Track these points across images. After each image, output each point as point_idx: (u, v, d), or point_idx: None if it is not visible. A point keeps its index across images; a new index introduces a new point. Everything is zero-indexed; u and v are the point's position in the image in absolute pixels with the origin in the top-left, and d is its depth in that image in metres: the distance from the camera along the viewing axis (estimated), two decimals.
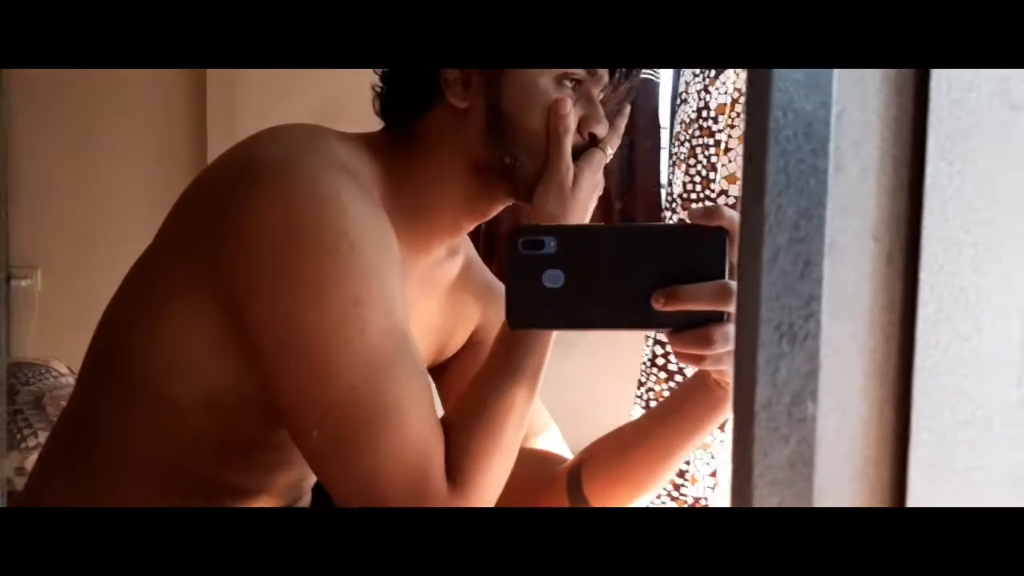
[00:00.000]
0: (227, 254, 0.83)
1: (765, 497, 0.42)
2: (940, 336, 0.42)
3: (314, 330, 0.80)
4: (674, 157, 2.14)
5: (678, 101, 2.28)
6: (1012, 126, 0.43)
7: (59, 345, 2.11)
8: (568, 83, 0.91)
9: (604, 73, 0.94)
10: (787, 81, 0.42)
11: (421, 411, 0.82)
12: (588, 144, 0.93)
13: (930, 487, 0.43)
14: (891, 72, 0.43)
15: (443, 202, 0.93)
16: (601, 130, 0.93)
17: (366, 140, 0.93)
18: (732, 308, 0.73)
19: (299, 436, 0.85)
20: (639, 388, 2.19)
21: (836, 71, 0.43)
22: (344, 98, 2.38)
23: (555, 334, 0.89)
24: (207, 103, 2.48)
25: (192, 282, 0.86)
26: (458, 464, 0.82)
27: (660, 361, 2.13)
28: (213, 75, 2.46)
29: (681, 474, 2.08)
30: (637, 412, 2.19)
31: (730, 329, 0.74)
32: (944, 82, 0.43)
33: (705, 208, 0.75)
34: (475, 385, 0.89)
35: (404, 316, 0.84)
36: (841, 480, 0.43)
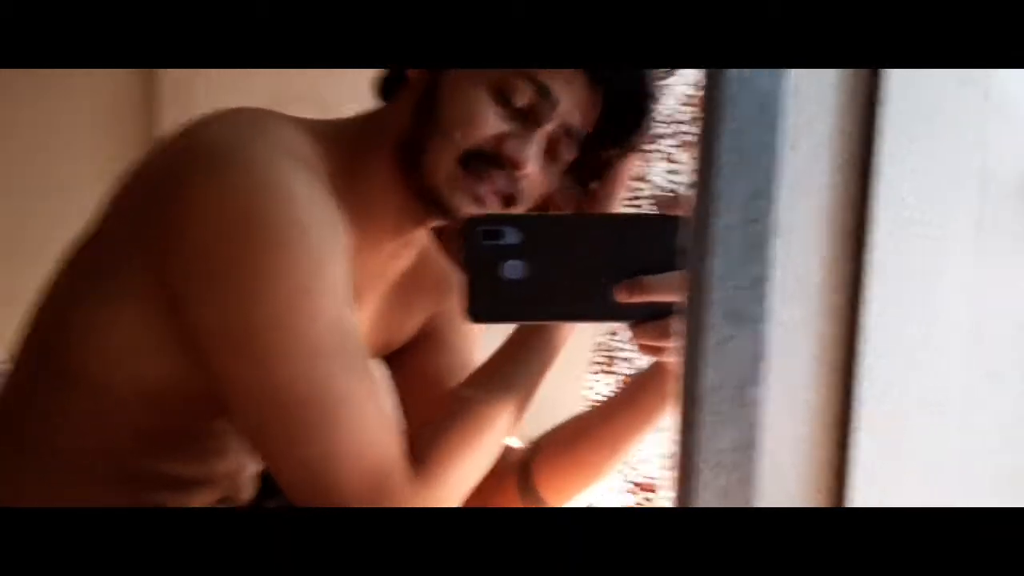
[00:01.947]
0: (172, 239, 0.79)
1: (710, 481, 0.42)
2: (889, 319, 0.42)
3: (261, 319, 0.77)
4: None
5: None
6: (963, 102, 0.42)
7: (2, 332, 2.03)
8: (507, 104, 0.82)
9: (561, 100, 0.83)
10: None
11: (374, 404, 0.79)
12: (507, 166, 0.83)
13: (875, 471, 0.42)
14: None
15: (386, 199, 0.88)
16: (516, 152, 0.82)
17: (318, 128, 0.88)
18: None
19: (245, 427, 0.82)
20: (596, 375, 2.17)
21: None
22: (300, 97, 2.32)
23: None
24: (160, 106, 2.38)
25: (134, 268, 0.82)
26: (426, 460, 0.80)
27: (617, 351, 2.10)
28: (167, 78, 2.36)
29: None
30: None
31: None
32: None
33: (668, 197, 0.74)
34: (466, 387, 0.87)
35: (351, 308, 0.81)
36: (786, 464, 0.42)
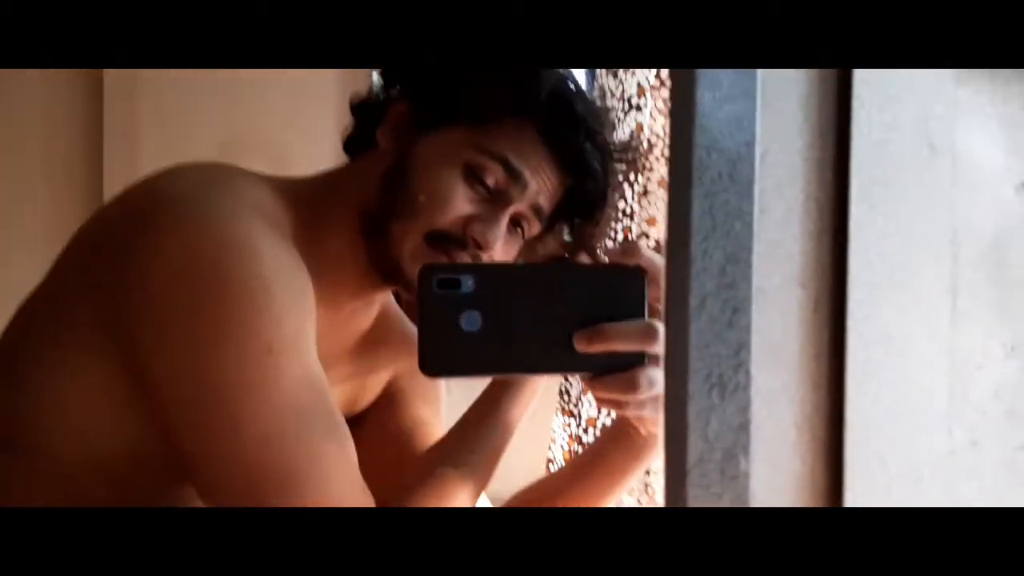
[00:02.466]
0: (129, 297, 0.75)
1: None
2: (869, 385, 0.41)
3: (224, 379, 0.73)
4: None
5: None
6: (931, 168, 0.43)
7: None
8: (478, 185, 0.83)
9: (531, 183, 0.84)
10: (710, 120, 0.41)
11: (342, 464, 0.76)
12: (472, 246, 0.83)
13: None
14: (812, 112, 0.42)
15: (347, 260, 0.87)
16: (483, 235, 0.83)
17: (280, 184, 0.86)
18: (657, 348, 0.71)
19: (206, 489, 0.77)
20: (556, 430, 2.15)
21: (759, 112, 0.41)
22: (250, 145, 2.30)
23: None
24: (103, 110, 2.32)
25: (87, 328, 0.78)
26: None
27: (576, 404, 2.09)
28: (110, 80, 2.31)
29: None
30: (556, 453, 2.14)
31: (653, 373, 0.72)
32: (865, 123, 0.42)
33: (622, 246, 0.73)
34: (429, 461, 0.84)
35: (319, 365, 0.78)
36: None
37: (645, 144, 1.98)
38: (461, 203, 0.83)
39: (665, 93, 1.93)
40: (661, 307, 0.74)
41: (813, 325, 0.41)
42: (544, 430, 2.20)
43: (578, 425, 2.11)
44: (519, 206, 0.84)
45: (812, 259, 0.42)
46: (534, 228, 0.87)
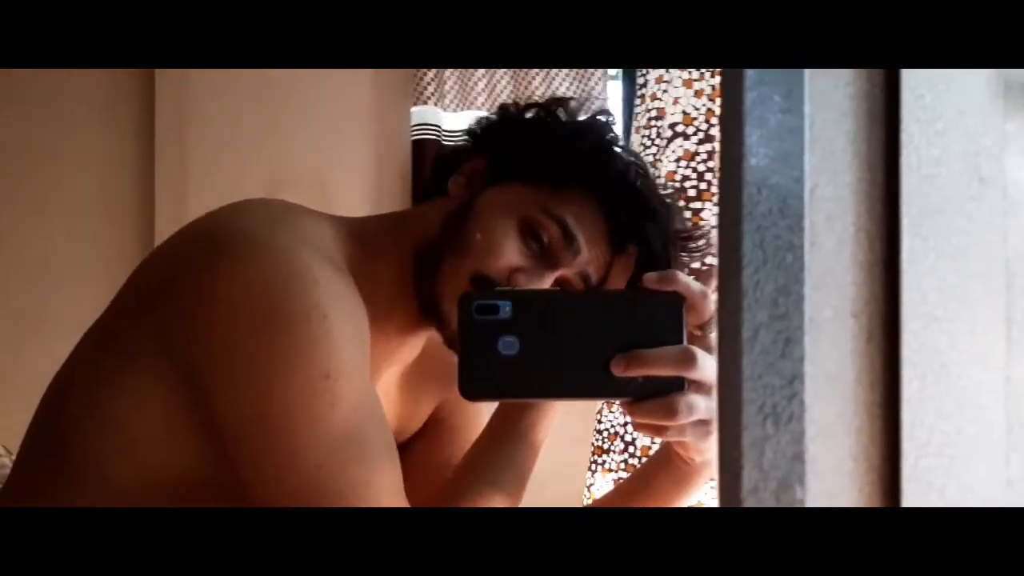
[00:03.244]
0: (191, 325, 0.79)
1: None
2: (925, 416, 0.41)
3: (282, 404, 0.76)
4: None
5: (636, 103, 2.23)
6: (982, 200, 0.43)
7: None
8: (532, 241, 0.86)
9: (584, 250, 0.86)
10: (760, 157, 0.42)
11: (392, 490, 0.78)
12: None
13: None
14: (862, 147, 0.43)
15: (397, 295, 0.90)
16: (527, 286, 0.84)
17: (338, 222, 0.91)
18: (695, 374, 0.71)
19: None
20: (594, 455, 2.15)
21: (807, 148, 0.42)
22: (300, 162, 2.36)
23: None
24: (155, 144, 2.41)
25: (150, 355, 0.81)
26: None
27: (616, 429, 2.09)
28: (161, 80, 2.40)
29: None
30: (596, 482, 2.13)
31: (692, 399, 0.72)
32: (914, 158, 0.43)
33: (659, 274, 0.74)
34: (453, 486, 0.86)
35: (375, 392, 0.81)
36: None
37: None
38: (511, 253, 0.85)
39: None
40: (699, 333, 0.75)
41: (867, 355, 0.42)
42: (582, 456, 2.20)
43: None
44: (567, 270, 0.86)
45: (864, 290, 0.42)
46: None
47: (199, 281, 0.79)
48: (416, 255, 0.88)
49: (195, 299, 0.79)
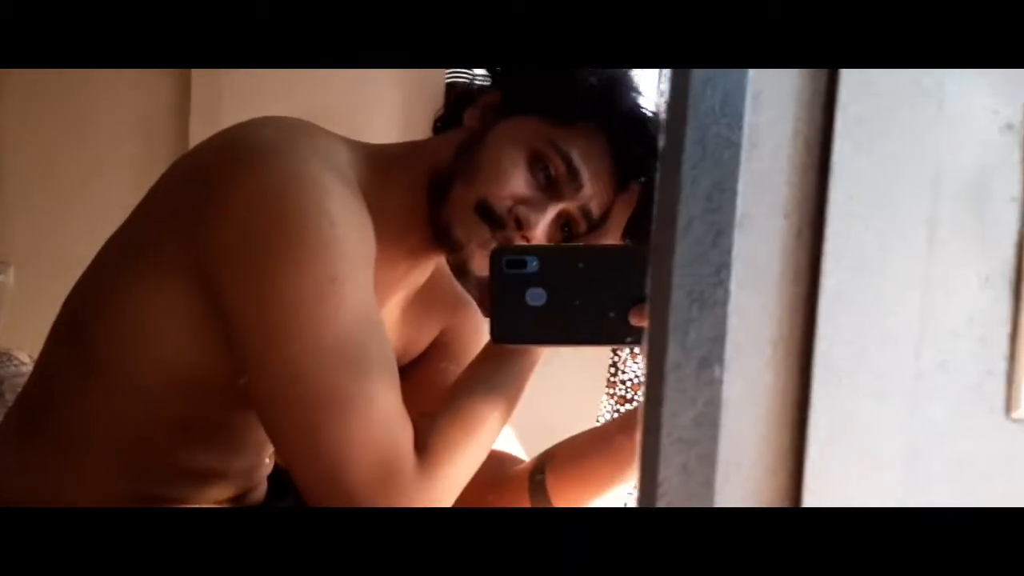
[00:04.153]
0: (208, 228, 0.84)
1: (672, 456, 0.44)
2: (841, 306, 0.44)
3: (289, 303, 0.81)
4: None
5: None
6: (921, 111, 0.45)
7: (26, 341, 2.10)
8: (539, 172, 0.89)
9: (586, 185, 0.90)
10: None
11: (389, 395, 0.83)
12: (512, 226, 0.89)
13: (829, 454, 0.44)
14: None
15: (409, 221, 0.93)
16: (526, 216, 0.89)
17: (353, 144, 0.95)
18: None
19: (264, 409, 0.86)
20: (617, 404, 2.20)
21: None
22: (331, 110, 2.40)
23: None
24: (191, 106, 2.49)
25: (169, 257, 0.87)
26: (432, 449, 0.84)
27: (641, 379, 2.14)
28: (198, 78, 2.47)
29: None
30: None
31: None
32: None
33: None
34: (457, 388, 0.91)
35: (375, 303, 0.85)
36: (746, 442, 0.44)
37: None
38: (516, 182, 0.89)
39: None
40: None
41: (793, 251, 0.45)
42: (593, 406, 2.24)
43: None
44: (569, 204, 0.91)
45: (797, 191, 0.45)
46: (580, 229, 0.92)
47: (218, 187, 0.84)
48: (429, 183, 0.92)
49: (213, 204, 0.84)
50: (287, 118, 0.93)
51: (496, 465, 1.02)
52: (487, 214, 0.89)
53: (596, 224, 0.92)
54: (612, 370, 2.17)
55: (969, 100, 0.46)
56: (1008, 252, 0.45)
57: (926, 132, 0.45)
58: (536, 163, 0.90)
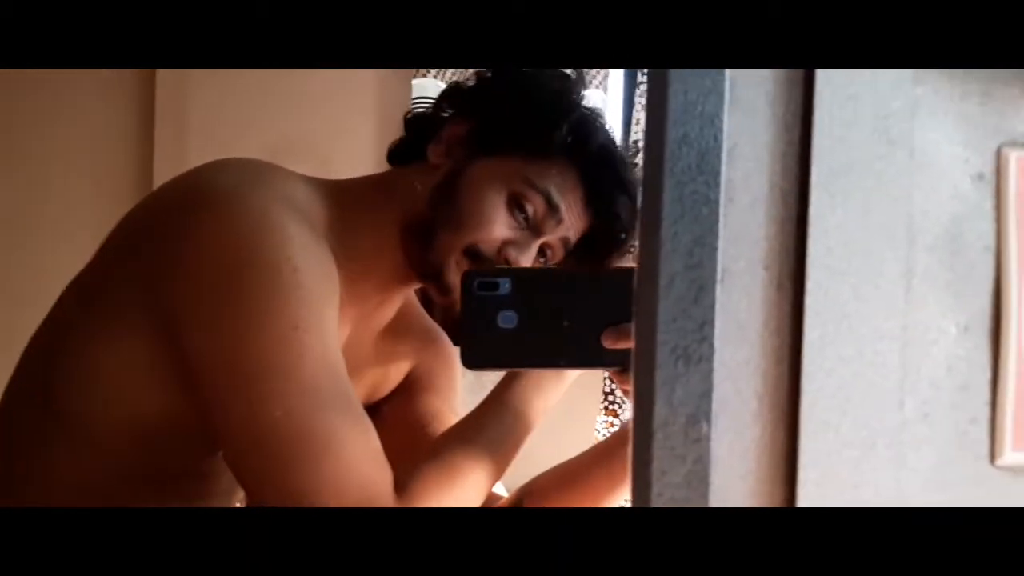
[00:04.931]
0: (168, 276, 0.83)
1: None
2: (825, 360, 0.45)
3: (252, 352, 0.80)
4: None
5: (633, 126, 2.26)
6: (889, 160, 0.46)
7: None
8: (519, 212, 0.92)
9: (565, 218, 0.93)
10: (682, 115, 0.45)
11: (362, 438, 0.82)
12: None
13: (821, 504, 0.44)
14: (779, 110, 0.46)
15: (379, 258, 0.94)
16: (515, 257, 0.91)
17: (316, 183, 0.94)
18: None
19: (232, 460, 0.84)
20: (609, 417, 2.19)
21: (726, 106, 0.45)
22: (301, 112, 2.37)
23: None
24: (155, 112, 2.42)
25: (129, 305, 0.86)
26: (411, 493, 0.82)
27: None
28: (162, 81, 2.41)
29: None
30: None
31: None
32: (827, 119, 0.45)
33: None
34: (451, 433, 0.91)
35: (339, 349, 0.84)
36: (735, 498, 0.44)
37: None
38: (500, 227, 0.91)
39: None
40: None
41: (775, 304, 0.45)
42: (588, 429, 2.24)
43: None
44: (550, 237, 0.93)
45: (776, 243, 0.46)
46: (557, 256, 0.96)
47: (178, 233, 0.83)
48: (405, 226, 0.93)
49: (174, 250, 0.83)
50: (246, 160, 0.93)
51: None
52: (477, 258, 0.91)
53: (572, 251, 0.96)
54: (607, 387, 2.17)
55: (938, 149, 0.47)
56: (985, 301, 0.46)
57: (898, 182, 0.46)
58: (516, 204, 0.92)
